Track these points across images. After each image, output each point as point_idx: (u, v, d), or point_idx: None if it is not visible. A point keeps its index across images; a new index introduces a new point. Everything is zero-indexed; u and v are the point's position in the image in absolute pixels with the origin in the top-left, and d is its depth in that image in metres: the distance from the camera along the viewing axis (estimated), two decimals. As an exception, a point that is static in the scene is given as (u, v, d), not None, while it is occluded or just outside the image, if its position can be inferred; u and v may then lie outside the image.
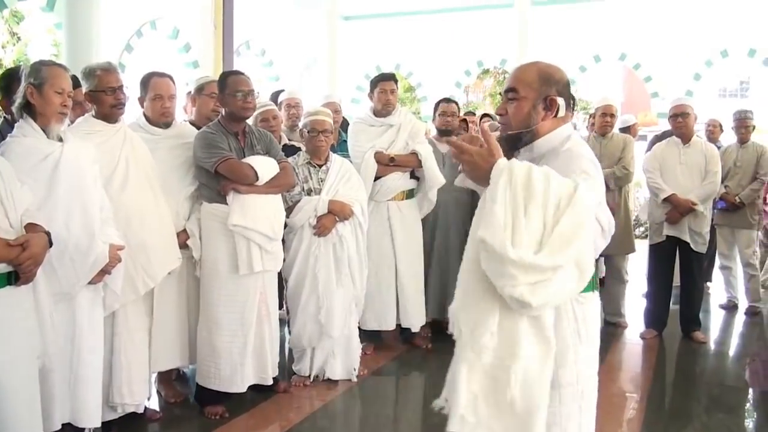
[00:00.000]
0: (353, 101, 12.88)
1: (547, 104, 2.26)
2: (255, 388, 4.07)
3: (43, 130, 3.04)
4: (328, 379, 4.49)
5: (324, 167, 4.47)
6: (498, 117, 2.44)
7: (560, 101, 2.26)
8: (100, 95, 3.50)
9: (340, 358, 4.53)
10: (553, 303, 1.98)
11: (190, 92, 5.15)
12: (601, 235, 2.20)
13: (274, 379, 4.17)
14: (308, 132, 4.44)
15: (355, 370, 4.56)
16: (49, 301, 2.85)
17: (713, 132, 7.24)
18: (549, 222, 1.95)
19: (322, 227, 4.32)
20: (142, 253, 3.51)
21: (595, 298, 2.29)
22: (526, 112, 2.28)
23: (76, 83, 3.42)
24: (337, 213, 4.35)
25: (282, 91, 6.29)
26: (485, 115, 7.46)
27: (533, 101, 2.26)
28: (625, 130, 7.17)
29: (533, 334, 2.03)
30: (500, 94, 2.43)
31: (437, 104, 5.57)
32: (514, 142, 2.31)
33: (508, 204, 1.96)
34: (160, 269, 3.63)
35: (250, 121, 4.17)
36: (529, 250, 1.91)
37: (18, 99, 3.03)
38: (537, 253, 1.91)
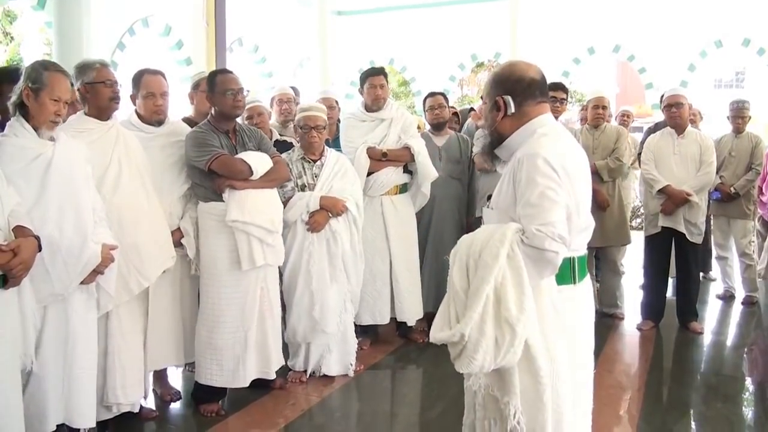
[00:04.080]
0: (347, 97, 12.83)
1: (496, 105, 2.38)
2: (251, 385, 4.05)
3: (35, 130, 3.02)
4: (325, 375, 4.49)
5: (318, 162, 4.46)
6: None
7: (506, 99, 2.35)
8: (99, 87, 3.48)
9: (336, 354, 4.54)
10: (486, 365, 2.10)
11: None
12: (577, 232, 2.30)
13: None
14: (301, 128, 4.42)
15: (352, 365, 4.56)
16: (31, 302, 2.85)
17: (693, 120, 7.22)
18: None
19: (314, 223, 4.31)
20: (135, 253, 3.49)
21: (576, 290, 2.36)
22: (485, 116, 2.47)
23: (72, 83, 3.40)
24: (330, 209, 4.34)
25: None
26: (471, 109, 7.47)
27: (489, 105, 2.42)
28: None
29: (525, 368, 2.19)
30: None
31: (424, 100, 5.60)
32: (490, 146, 2.48)
33: (447, 292, 2.22)
34: (154, 269, 3.61)
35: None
36: (448, 326, 2.15)
37: (13, 97, 3.01)
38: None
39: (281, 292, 4.40)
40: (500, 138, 2.40)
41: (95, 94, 3.50)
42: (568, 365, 2.31)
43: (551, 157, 2.22)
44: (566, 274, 2.32)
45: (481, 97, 2.50)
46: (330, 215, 4.35)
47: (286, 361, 4.44)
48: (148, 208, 3.62)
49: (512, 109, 2.35)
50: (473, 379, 2.25)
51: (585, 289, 2.43)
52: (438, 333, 2.17)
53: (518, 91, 2.35)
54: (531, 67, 2.42)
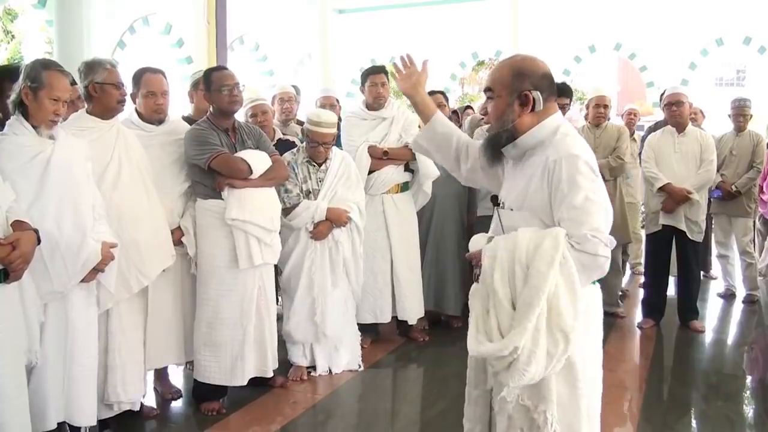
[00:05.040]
0: (348, 95, 12.83)
1: (523, 99, 2.23)
2: (252, 384, 4.06)
3: (34, 128, 3.02)
4: (327, 373, 4.50)
5: (323, 167, 4.45)
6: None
7: (536, 95, 2.22)
8: (109, 88, 3.48)
9: (343, 353, 4.58)
10: (537, 375, 2.04)
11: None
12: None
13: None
14: (308, 140, 4.41)
15: (359, 358, 4.63)
16: (34, 297, 2.85)
17: (695, 119, 7.20)
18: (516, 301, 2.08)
19: (318, 233, 4.37)
20: (135, 251, 3.48)
21: (595, 291, 2.30)
22: (501, 110, 2.27)
23: (72, 81, 3.39)
24: (334, 220, 4.37)
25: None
26: (468, 107, 7.47)
27: (507, 99, 2.25)
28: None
29: (563, 375, 2.13)
30: (483, 92, 2.43)
31: None
32: (497, 142, 2.31)
33: (480, 301, 2.15)
34: (154, 267, 3.61)
35: (239, 116, 4.15)
36: (495, 339, 2.06)
37: (13, 95, 3.01)
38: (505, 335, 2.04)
39: (280, 291, 4.41)
40: (514, 135, 2.27)
41: (104, 94, 3.49)
42: (598, 365, 2.30)
43: (590, 159, 2.19)
44: None
45: (489, 89, 2.31)
46: (333, 226, 4.38)
47: (287, 359, 4.45)
48: (149, 206, 3.62)
49: (540, 105, 2.24)
50: (506, 391, 2.10)
51: (598, 287, 2.38)
52: (481, 346, 2.07)
53: (544, 87, 2.25)
54: (546, 63, 2.33)
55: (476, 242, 2.36)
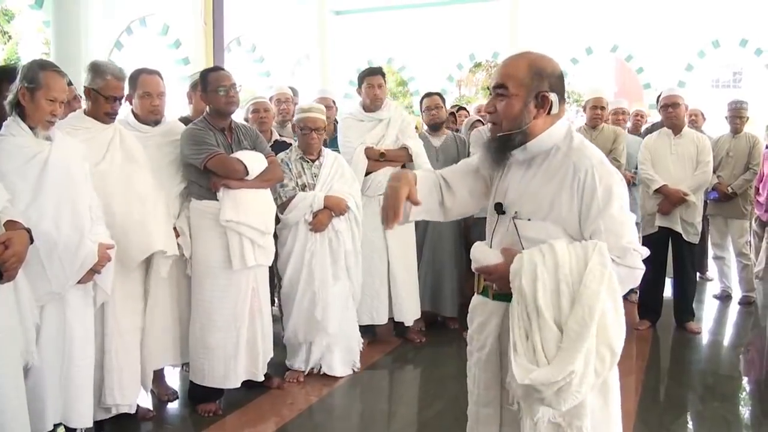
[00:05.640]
0: (345, 96, 12.84)
1: (539, 101, 2.08)
2: (248, 385, 4.06)
3: (32, 129, 3.02)
4: (323, 374, 4.49)
5: (317, 162, 4.46)
6: (487, 114, 2.25)
7: (553, 97, 2.08)
8: (99, 98, 3.48)
9: (339, 353, 4.54)
10: (586, 393, 1.94)
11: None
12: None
13: (266, 375, 4.17)
14: (300, 129, 4.42)
15: (355, 363, 4.59)
16: (30, 298, 2.85)
17: (695, 121, 7.21)
18: (562, 321, 1.93)
19: (318, 223, 4.31)
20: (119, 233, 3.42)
21: None
22: (517, 110, 2.09)
23: (69, 82, 3.39)
24: (333, 208, 4.34)
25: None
26: (461, 108, 7.47)
27: (524, 99, 2.08)
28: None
29: (598, 393, 2.06)
30: (488, 88, 2.28)
31: (421, 100, 5.62)
32: (506, 144, 2.14)
33: (519, 323, 1.98)
34: (137, 253, 3.55)
35: (240, 113, 4.15)
36: (542, 364, 1.91)
37: (10, 96, 3.01)
38: (552, 359, 1.90)
39: (279, 295, 4.39)
40: (525, 137, 2.10)
41: (94, 102, 3.51)
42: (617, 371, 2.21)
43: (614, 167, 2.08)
44: None
45: (502, 86, 2.11)
46: (333, 214, 4.35)
47: (284, 361, 4.45)
48: (140, 216, 3.53)
49: (557, 108, 2.10)
50: (543, 412, 2.00)
51: None
52: (531, 374, 1.90)
53: (560, 89, 2.11)
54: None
55: (483, 253, 2.22)
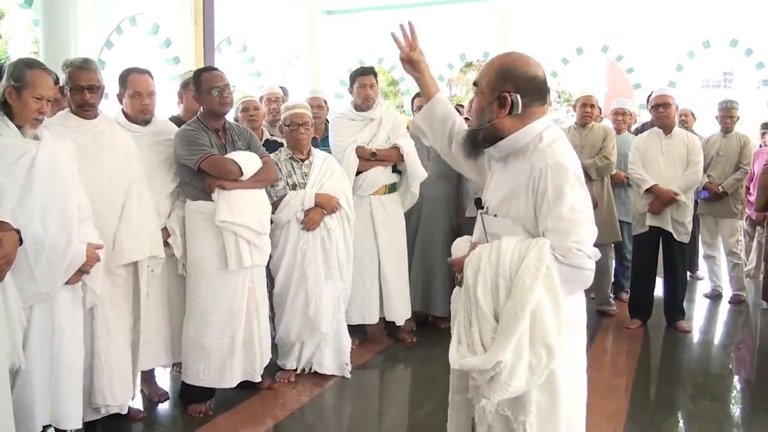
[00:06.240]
0: (336, 96, 12.82)
1: (501, 101, 2.16)
2: (239, 385, 4.04)
3: (19, 128, 3.00)
4: (315, 374, 4.48)
5: (307, 161, 4.44)
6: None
7: (514, 98, 2.14)
8: (70, 92, 3.46)
9: (330, 353, 4.53)
10: (519, 389, 2.00)
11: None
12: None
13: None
14: (288, 126, 4.41)
15: (347, 365, 4.56)
16: (17, 299, 2.83)
17: (686, 121, 7.24)
18: (499, 313, 2.03)
19: (309, 221, 4.29)
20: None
21: (580, 297, 2.26)
22: (481, 107, 2.22)
23: (56, 80, 3.37)
24: (324, 206, 4.33)
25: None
26: (458, 105, 7.47)
27: (488, 97, 2.19)
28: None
29: (544, 386, 2.09)
30: (473, 84, 2.36)
31: (412, 100, 5.62)
32: (472, 138, 2.27)
33: (463, 312, 2.11)
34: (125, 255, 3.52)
35: (229, 114, 4.14)
36: (478, 352, 2.02)
37: None
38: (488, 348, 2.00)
39: (271, 294, 4.38)
40: (495, 135, 2.19)
41: (70, 98, 3.48)
42: (581, 377, 2.27)
43: (578, 169, 2.14)
44: None
45: (475, 83, 2.26)
46: (324, 212, 4.34)
47: (275, 361, 4.43)
48: (127, 210, 3.54)
49: (519, 109, 2.15)
50: (486, 402, 2.08)
51: (583, 294, 2.33)
52: (463, 359, 2.02)
53: (528, 91, 2.16)
54: (540, 66, 2.23)
55: (459, 246, 2.34)
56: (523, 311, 1.95)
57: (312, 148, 4.52)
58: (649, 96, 5.87)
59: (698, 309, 6.47)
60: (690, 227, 5.56)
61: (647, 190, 5.47)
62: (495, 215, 2.24)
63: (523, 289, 1.97)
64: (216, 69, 4.03)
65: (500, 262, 2.04)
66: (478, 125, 2.23)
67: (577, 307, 2.24)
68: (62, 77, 3.45)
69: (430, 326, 5.59)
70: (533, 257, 2.00)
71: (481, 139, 2.23)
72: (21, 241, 2.71)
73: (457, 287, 2.31)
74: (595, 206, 5.69)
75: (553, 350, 1.97)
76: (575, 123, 6.05)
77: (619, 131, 6.24)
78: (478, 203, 2.33)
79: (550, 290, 2.00)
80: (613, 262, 6.37)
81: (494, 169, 2.35)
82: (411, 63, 2.61)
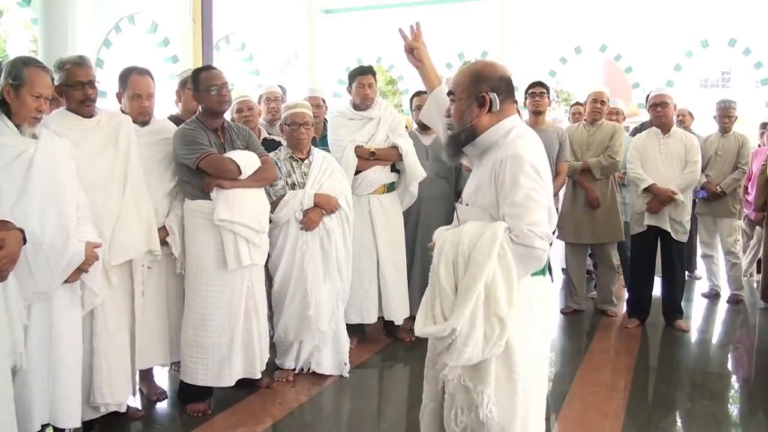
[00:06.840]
0: (335, 95, 12.83)
1: (480, 101, 2.39)
2: (238, 384, 4.04)
3: (18, 127, 2.99)
4: (313, 373, 4.48)
5: (306, 161, 4.44)
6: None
7: (492, 96, 2.38)
8: (69, 89, 3.43)
9: (329, 353, 4.52)
10: (474, 357, 2.21)
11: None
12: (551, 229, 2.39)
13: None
14: (288, 125, 4.41)
15: (346, 365, 4.56)
16: (18, 298, 2.83)
17: (684, 121, 7.25)
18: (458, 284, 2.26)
19: (309, 221, 4.29)
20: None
21: (543, 282, 2.47)
22: (461, 111, 2.44)
23: (53, 78, 3.36)
24: (324, 206, 4.32)
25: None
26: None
27: (467, 101, 2.42)
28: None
29: (502, 359, 2.28)
30: (447, 95, 2.58)
31: (411, 99, 5.62)
32: (455, 141, 2.48)
33: (430, 288, 2.34)
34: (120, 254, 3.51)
35: (225, 114, 4.14)
36: (439, 322, 2.24)
37: None
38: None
39: (269, 293, 4.38)
40: (474, 134, 2.43)
41: (67, 96, 3.46)
42: (542, 355, 2.46)
43: (534, 160, 2.31)
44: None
45: (450, 93, 2.51)
46: (324, 212, 4.33)
47: (274, 360, 4.43)
48: (123, 206, 3.53)
49: (497, 106, 2.39)
50: (448, 370, 2.30)
51: (549, 280, 2.57)
52: (425, 327, 2.25)
53: (502, 89, 2.41)
54: (506, 68, 2.50)
55: (438, 234, 2.52)
56: (475, 285, 2.17)
57: (312, 147, 4.52)
58: (648, 95, 5.87)
59: (696, 308, 6.48)
60: (688, 227, 5.57)
61: (645, 189, 5.47)
62: (467, 204, 2.50)
63: (476, 265, 2.19)
64: (214, 68, 4.02)
65: (460, 243, 2.26)
66: (461, 127, 2.45)
67: (542, 290, 2.46)
68: (57, 77, 3.42)
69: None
70: (487, 237, 2.21)
71: (464, 139, 2.45)
72: (25, 240, 2.71)
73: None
74: (597, 206, 5.73)
75: (505, 322, 2.18)
76: (584, 119, 6.06)
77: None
78: (458, 196, 2.53)
79: (505, 268, 2.20)
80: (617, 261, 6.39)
81: (474, 165, 2.58)
82: (412, 52, 2.88)
